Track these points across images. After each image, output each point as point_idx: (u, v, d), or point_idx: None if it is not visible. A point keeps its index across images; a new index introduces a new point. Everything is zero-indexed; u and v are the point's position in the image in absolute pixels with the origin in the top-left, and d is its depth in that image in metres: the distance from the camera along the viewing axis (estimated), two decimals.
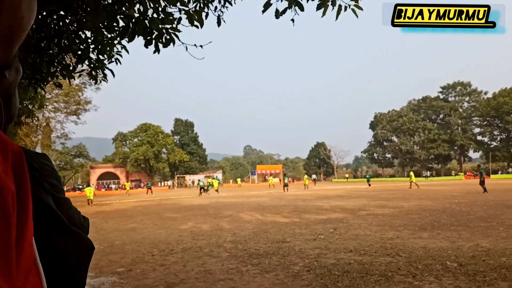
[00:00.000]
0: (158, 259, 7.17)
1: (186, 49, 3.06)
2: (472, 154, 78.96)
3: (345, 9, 2.52)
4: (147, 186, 46.91)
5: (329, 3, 2.47)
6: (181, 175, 78.78)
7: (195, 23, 2.85)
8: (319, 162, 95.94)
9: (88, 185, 40.02)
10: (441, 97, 79.07)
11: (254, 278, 5.51)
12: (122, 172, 78.34)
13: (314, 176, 62.74)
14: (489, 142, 72.28)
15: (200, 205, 20.95)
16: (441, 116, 78.65)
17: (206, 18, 3.09)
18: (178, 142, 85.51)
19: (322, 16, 2.56)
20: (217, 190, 36.12)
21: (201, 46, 3.04)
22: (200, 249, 7.95)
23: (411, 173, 35.57)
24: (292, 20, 2.76)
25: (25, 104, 7.51)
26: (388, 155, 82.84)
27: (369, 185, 39.22)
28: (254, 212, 15.71)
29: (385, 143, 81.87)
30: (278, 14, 2.68)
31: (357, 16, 2.53)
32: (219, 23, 3.19)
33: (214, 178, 41.26)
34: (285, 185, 36.37)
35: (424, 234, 8.61)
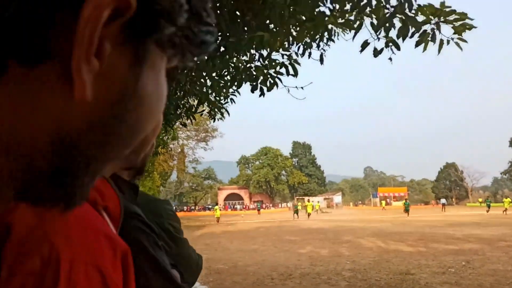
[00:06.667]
0: (277, 283, 7.35)
1: (288, 91, 3.27)
2: None
3: (448, 43, 2.39)
4: (257, 207, 52.70)
5: (429, 39, 2.39)
6: (300, 197, 79.37)
7: (291, 72, 3.04)
8: (449, 185, 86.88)
9: (216, 204, 47.13)
10: None
11: None
12: (245, 193, 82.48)
13: (443, 201, 56.63)
14: None
15: (319, 229, 20.80)
16: None
17: (309, 58, 3.26)
18: (296, 164, 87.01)
19: (423, 51, 2.48)
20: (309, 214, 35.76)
21: (301, 87, 3.21)
22: (318, 275, 7.91)
23: (507, 199, 34.82)
24: (390, 59, 2.74)
25: (161, 137, 8.64)
26: None
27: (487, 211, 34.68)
28: (375, 238, 14.95)
29: None
30: (376, 53, 2.70)
31: (461, 49, 2.37)
32: (321, 61, 3.32)
33: (308, 202, 41.84)
34: (406, 209, 36.07)
35: None
